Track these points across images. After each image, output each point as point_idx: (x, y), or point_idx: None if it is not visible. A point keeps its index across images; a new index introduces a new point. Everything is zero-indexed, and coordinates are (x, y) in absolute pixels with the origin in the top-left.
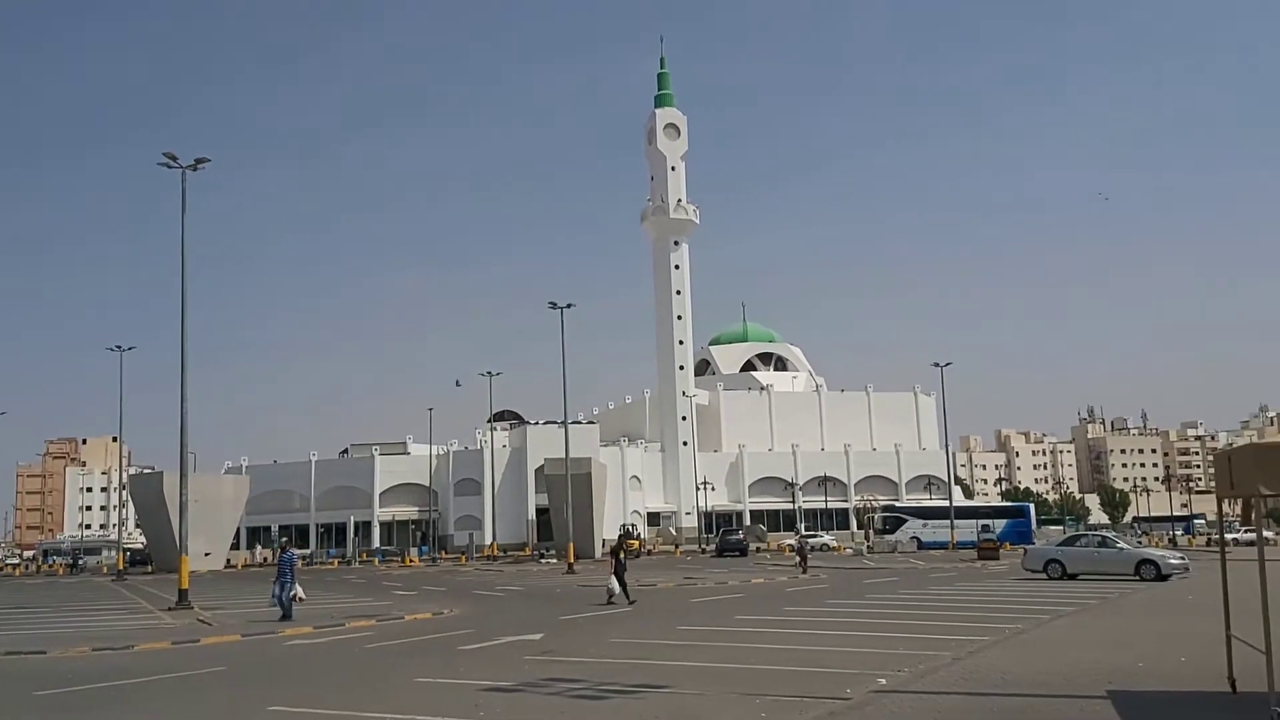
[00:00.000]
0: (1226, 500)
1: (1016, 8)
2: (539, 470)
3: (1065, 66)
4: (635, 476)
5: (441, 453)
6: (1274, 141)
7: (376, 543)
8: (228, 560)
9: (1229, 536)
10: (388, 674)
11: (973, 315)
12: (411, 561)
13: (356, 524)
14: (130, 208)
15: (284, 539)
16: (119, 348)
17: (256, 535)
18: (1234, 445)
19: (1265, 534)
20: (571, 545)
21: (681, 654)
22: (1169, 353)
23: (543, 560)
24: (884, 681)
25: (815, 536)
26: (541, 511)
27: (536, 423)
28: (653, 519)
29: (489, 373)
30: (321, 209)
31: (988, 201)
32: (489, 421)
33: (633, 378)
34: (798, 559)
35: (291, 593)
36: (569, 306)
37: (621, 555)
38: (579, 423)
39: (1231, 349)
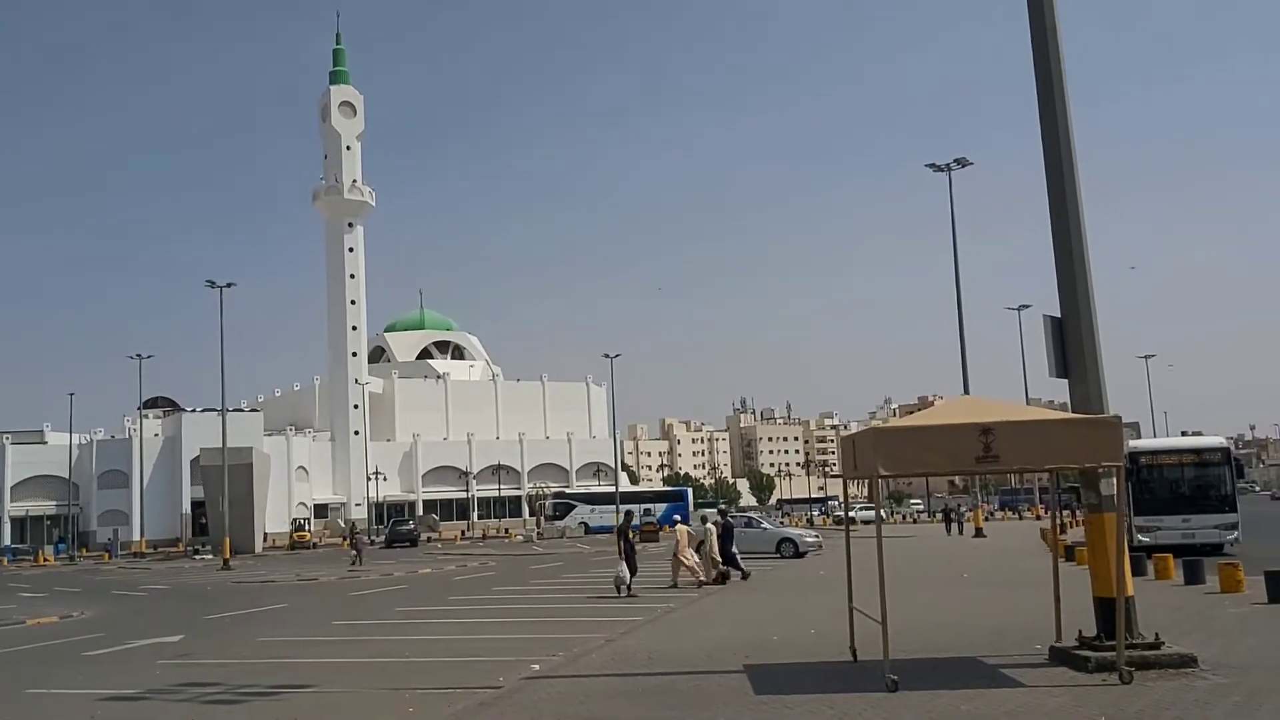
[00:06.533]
0: (853, 481)
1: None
2: (195, 461)
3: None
4: (302, 467)
5: (84, 442)
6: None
7: (7, 540)
8: None
9: (851, 515)
10: None
11: (642, 309)
12: (46, 560)
13: None
14: None
15: None
16: None
17: None
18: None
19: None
20: (228, 540)
21: (333, 650)
22: (811, 350)
23: (197, 556)
24: (537, 667)
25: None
26: (197, 505)
27: (193, 410)
28: (320, 511)
29: (139, 355)
30: None
31: (655, 204)
32: (140, 409)
33: (303, 364)
34: (353, 553)
35: None
36: (229, 286)
37: (630, 535)
38: (241, 410)
39: (862, 349)
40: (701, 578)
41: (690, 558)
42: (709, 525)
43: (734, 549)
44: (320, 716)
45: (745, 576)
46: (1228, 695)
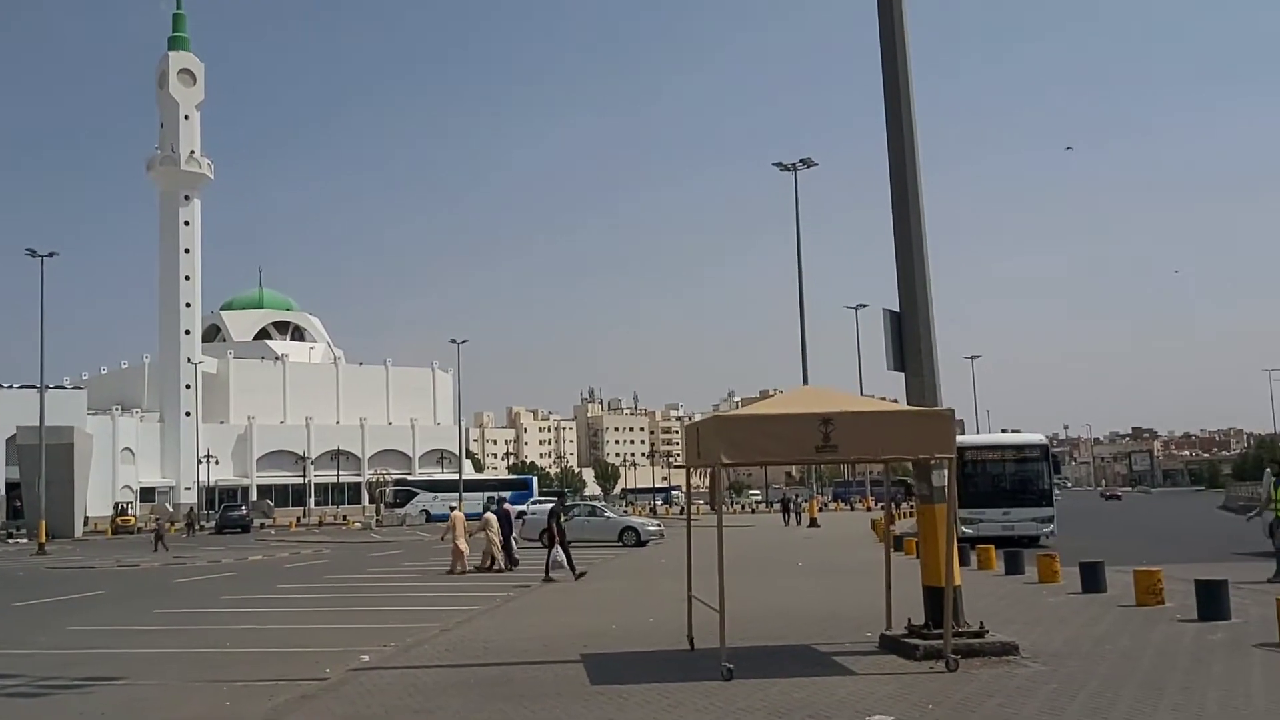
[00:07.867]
0: (696, 471)
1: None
2: (10, 440)
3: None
4: (128, 448)
5: None
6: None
7: None
8: None
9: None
10: None
11: (491, 297)
12: None
13: None
14: None
15: None
16: None
17: None
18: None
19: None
20: (44, 524)
21: (150, 641)
22: (657, 342)
23: (10, 540)
24: (367, 658)
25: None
26: (12, 486)
27: (10, 386)
28: (148, 494)
29: None
30: None
31: (508, 194)
32: None
33: (131, 341)
34: (154, 537)
35: None
36: (51, 255)
37: (562, 520)
38: (62, 388)
39: (706, 342)
40: (469, 566)
41: (464, 544)
42: (487, 515)
43: (514, 538)
44: (129, 711)
45: (511, 567)
46: (1046, 682)
